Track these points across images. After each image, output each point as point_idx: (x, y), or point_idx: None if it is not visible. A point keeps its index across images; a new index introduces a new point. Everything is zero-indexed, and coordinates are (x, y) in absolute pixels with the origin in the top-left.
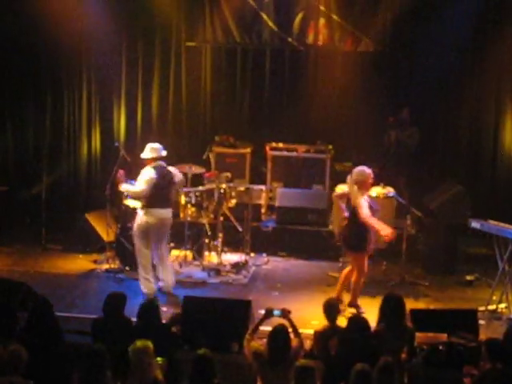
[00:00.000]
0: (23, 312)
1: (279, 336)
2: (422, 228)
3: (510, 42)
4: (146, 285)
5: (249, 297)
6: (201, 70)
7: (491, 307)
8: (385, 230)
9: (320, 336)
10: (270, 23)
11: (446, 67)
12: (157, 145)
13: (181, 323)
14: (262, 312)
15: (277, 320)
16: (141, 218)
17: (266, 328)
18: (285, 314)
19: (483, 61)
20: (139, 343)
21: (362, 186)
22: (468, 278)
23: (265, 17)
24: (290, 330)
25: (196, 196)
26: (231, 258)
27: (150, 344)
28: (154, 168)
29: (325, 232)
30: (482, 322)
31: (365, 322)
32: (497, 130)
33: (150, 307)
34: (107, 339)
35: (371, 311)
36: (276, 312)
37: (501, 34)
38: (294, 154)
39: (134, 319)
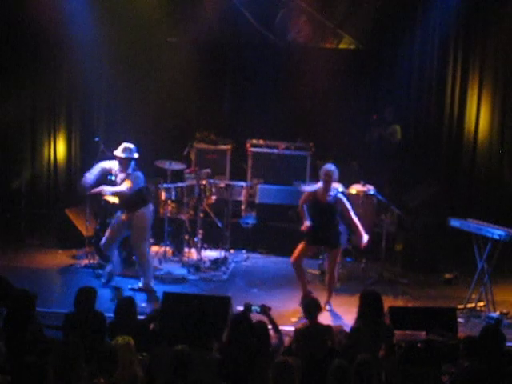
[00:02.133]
0: (2, 308)
1: (258, 333)
2: (401, 226)
3: (493, 38)
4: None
5: (228, 293)
6: (182, 66)
7: (470, 305)
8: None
9: (300, 334)
10: (252, 20)
11: (429, 65)
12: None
13: (160, 319)
14: (241, 309)
15: (256, 316)
16: (148, 212)
17: None
18: (264, 310)
19: (466, 60)
20: (120, 339)
21: (329, 183)
22: (447, 276)
23: (246, 13)
24: (270, 326)
25: (176, 192)
26: (211, 254)
27: (131, 340)
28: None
29: None
30: (460, 320)
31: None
32: (477, 130)
33: (126, 303)
34: (79, 334)
35: (349, 309)
36: (254, 308)
37: (483, 31)
38: (275, 150)
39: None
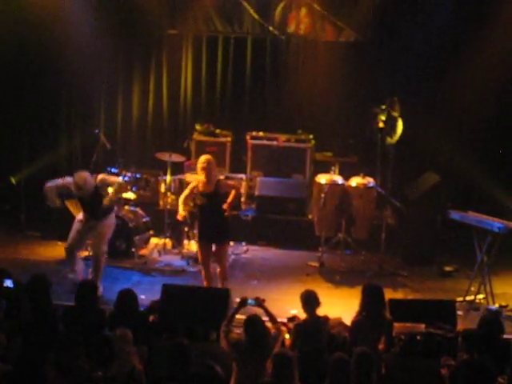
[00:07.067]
0: (1, 299)
1: (255, 325)
2: (401, 219)
3: (494, 26)
4: None
5: (228, 285)
6: (182, 58)
7: (469, 298)
8: None
9: (299, 328)
10: (252, 12)
11: (430, 56)
12: None
13: (159, 311)
14: (238, 301)
15: (254, 309)
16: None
17: (243, 317)
18: (259, 302)
19: (467, 49)
20: (118, 331)
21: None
22: (447, 268)
23: (246, 5)
24: (267, 318)
25: (176, 184)
26: None
27: (128, 332)
28: None
29: (304, 221)
30: (460, 312)
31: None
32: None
33: (127, 296)
34: (79, 327)
35: (349, 301)
36: (250, 301)
37: (485, 18)
38: (275, 143)
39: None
